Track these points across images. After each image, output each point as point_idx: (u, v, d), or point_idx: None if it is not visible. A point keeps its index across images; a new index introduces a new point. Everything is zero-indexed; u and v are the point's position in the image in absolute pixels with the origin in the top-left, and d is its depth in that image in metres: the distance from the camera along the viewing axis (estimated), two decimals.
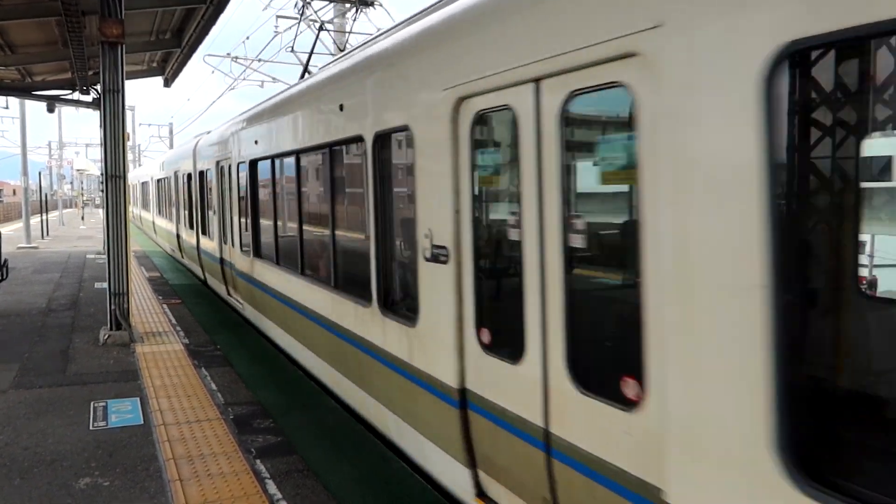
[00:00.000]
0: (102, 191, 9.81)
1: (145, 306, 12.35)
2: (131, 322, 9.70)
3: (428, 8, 5.10)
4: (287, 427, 6.19)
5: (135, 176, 34.15)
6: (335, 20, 15.55)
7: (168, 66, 17.13)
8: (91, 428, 6.18)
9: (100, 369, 8.12)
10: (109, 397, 7.02)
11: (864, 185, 2.50)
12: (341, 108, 6.11)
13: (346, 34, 15.47)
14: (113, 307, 9.52)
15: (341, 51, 14.73)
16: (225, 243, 12.14)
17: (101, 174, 9.88)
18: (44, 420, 6.36)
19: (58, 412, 6.58)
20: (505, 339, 3.84)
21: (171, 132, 56.73)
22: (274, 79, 19.57)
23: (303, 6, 14.52)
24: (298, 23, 15.25)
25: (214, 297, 13.66)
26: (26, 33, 13.00)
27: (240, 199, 10.83)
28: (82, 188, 74.63)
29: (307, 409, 6.72)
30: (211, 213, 13.37)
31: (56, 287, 14.81)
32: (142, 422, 6.32)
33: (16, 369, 8.08)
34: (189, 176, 15.97)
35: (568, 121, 3.29)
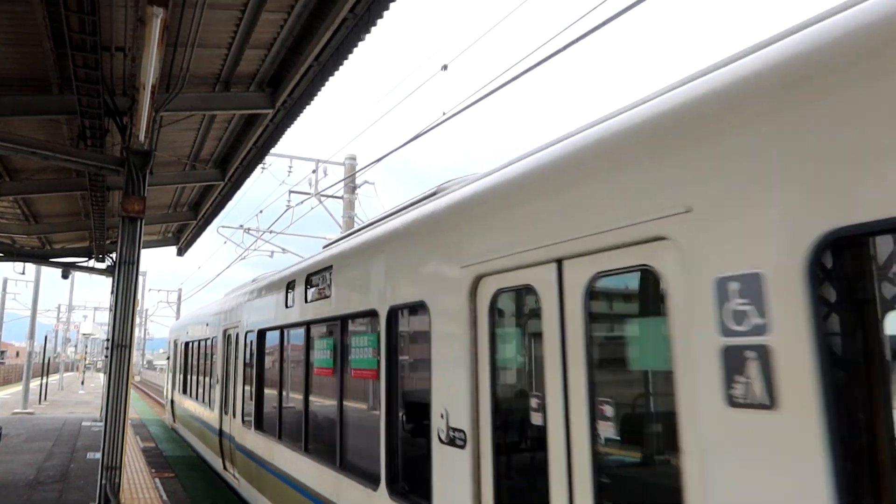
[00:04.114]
0: (106, 356, 9.81)
1: (137, 479, 11.90)
2: (121, 499, 9.30)
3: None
4: None
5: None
6: (345, 196, 16.38)
7: (183, 236, 17.78)
8: None
9: None
10: None
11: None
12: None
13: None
14: (104, 482, 9.17)
15: (349, 224, 15.36)
16: None
17: (108, 341, 9.93)
18: None
19: None
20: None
21: (179, 298, 57.63)
22: (283, 249, 20.22)
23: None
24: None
25: (208, 470, 13.19)
26: (52, 205, 13.69)
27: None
28: (86, 350, 74.52)
29: None
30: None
31: (47, 457, 14.37)
32: None
33: None
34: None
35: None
